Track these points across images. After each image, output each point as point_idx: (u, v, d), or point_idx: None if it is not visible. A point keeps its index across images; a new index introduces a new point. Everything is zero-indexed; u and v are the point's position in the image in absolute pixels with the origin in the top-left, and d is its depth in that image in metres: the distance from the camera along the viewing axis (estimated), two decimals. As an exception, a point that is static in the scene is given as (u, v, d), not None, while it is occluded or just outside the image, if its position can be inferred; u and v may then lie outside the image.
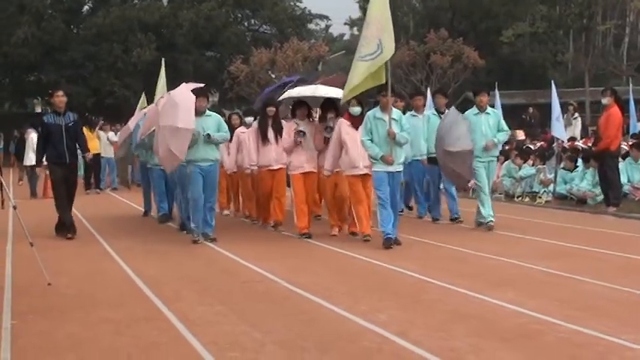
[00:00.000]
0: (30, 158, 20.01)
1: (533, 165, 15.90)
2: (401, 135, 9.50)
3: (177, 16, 41.76)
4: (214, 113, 10.59)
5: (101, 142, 20.45)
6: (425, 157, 11.89)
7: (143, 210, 14.23)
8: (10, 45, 39.03)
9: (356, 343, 5.26)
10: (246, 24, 47.60)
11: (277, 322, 5.87)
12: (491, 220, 10.91)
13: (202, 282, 7.61)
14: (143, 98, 18.35)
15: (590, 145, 16.11)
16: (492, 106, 11.67)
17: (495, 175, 11.52)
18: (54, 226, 11.08)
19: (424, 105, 12.68)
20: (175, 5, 42.99)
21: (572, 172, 14.86)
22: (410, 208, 13.05)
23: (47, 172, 12.40)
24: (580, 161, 14.89)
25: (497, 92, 21.85)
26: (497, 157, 11.65)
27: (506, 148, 17.00)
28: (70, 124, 10.85)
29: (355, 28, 56.84)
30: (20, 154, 22.47)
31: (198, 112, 9.94)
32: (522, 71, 42.24)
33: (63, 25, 41.18)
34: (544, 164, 15.78)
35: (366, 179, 9.81)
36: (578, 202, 14.03)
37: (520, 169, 15.80)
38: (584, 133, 21.83)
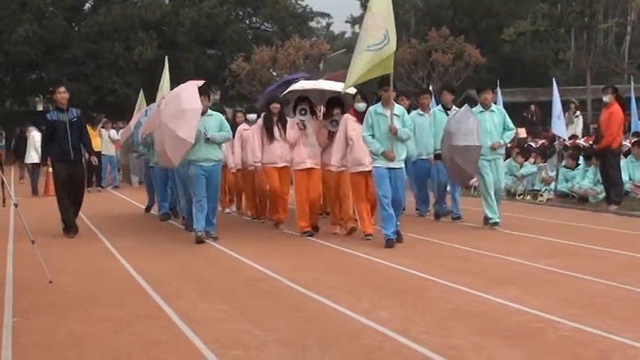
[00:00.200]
0: (31, 156, 20.02)
1: (534, 163, 15.89)
2: (402, 131, 9.40)
3: (179, 14, 41.72)
4: (216, 112, 10.53)
5: (102, 139, 20.44)
6: (432, 155, 11.81)
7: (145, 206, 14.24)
8: (11, 43, 39.00)
9: (357, 341, 5.27)
10: (247, 22, 47.57)
11: (279, 320, 5.87)
12: (495, 221, 10.87)
13: (204, 280, 7.61)
14: (141, 96, 18.35)
15: (591, 143, 16.08)
16: (495, 103, 11.56)
17: (503, 175, 11.34)
18: (60, 227, 10.99)
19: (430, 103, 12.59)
20: (177, 3, 42.94)
21: (573, 170, 14.85)
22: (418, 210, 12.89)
23: (49, 170, 12.35)
24: (581, 159, 14.88)
25: (499, 90, 21.81)
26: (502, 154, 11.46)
27: (508, 145, 16.96)
28: (73, 120, 10.80)
29: (357, 26, 56.68)
30: (20, 151, 22.45)
31: (201, 112, 9.88)
32: (524, 69, 42.19)
33: (64, 23, 41.14)
34: (545, 162, 15.78)
35: (370, 176, 9.71)
36: (580, 200, 14.03)
37: (521, 167, 15.79)
38: (586, 131, 21.81)
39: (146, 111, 13.39)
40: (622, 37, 39.03)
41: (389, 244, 9.30)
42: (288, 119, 10.89)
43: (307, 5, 47.38)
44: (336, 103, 10.59)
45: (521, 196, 15.26)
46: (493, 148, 10.78)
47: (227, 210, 13.62)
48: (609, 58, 36.90)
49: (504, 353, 4.96)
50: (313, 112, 10.98)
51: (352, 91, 10.25)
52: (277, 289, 7.10)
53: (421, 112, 12.13)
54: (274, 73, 35.17)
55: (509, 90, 30.76)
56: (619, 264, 8.17)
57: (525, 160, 15.94)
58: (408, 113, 11.30)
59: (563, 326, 5.53)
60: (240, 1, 44.51)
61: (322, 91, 11.26)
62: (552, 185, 14.97)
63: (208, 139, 9.95)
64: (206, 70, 38.91)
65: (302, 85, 11.55)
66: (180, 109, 9.76)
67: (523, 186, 15.57)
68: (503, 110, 11.24)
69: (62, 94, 10.86)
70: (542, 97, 29.29)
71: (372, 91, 10.98)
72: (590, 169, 14.23)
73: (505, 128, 10.96)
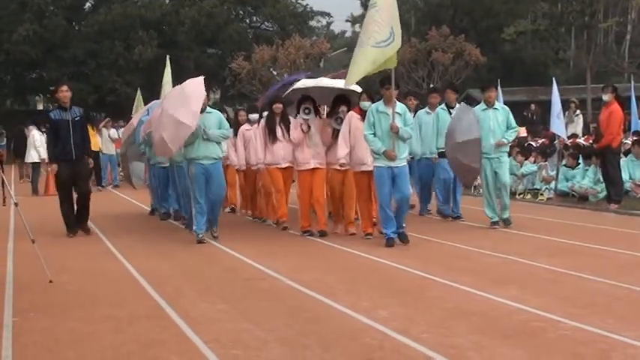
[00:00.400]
0: (31, 155, 20.03)
1: (534, 162, 15.88)
2: (404, 129, 9.28)
3: (179, 13, 41.75)
4: (215, 110, 10.49)
5: (102, 139, 20.44)
6: (435, 154, 11.74)
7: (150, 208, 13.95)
8: (11, 42, 39.03)
9: (358, 340, 5.26)
10: (247, 21, 47.58)
11: (279, 319, 5.87)
12: (496, 221, 10.86)
13: (204, 280, 7.61)
14: (139, 95, 18.34)
15: (591, 142, 16.07)
16: (496, 102, 11.45)
17: (508, 170, 11.23)
18: (63, 227, 10.94)
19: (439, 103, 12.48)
20: (177, 2, 42.97)
21: (573, 169, 14.84)
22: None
23: (49, 169, 12.32)
24: (581, 158, 14.87)
25: (499, 89, 21.79)
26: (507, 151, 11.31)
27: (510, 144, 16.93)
28: (76, 119, 10.75)
29: (357, 25, 56.66)
30: (19, 150, 22.42)
31: (200, 109, 9.83)
32: (524, 68, 42.21)
33: (64, 22, 41.16)
34: (546, 161, 15.77)
35: (373, 176, 9.59)
36: (580, 199, 14.02)
37: (522, 166, 15.78)
38: (586, 131, 21.80)
39: (148, 110, 13.34)
40: (622, 37, 39.05)
41: (389, 243, 9.28)
42: (292, 119, 10.84)
43: (307, 4, 47.46)
44: (343, 100, 10.48)
45: (522, 196, 15.25)
46: (497, 147, 10.66)
47: (227, 209, 13.57)
48: (609, 58, 36.91)
49: (505, 352, 4.95)
50: (317, 111, 10.86)
51: (358, 89, 10.20)
52: (277, 289, 7.10)
53: (428, 111, 12.09)
54: (274, 73, 35.18)
55: (509, 89, 30.74)
56: (619, 263, 8.16)
57: (525, 159, 15.93)
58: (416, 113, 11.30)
59: (563, 325, 5.53)
60: (240, 1, 44.55)
61: (326, 90, 11.19)
62: (552, 184, 14.97)
63: (205, 135, 9.84)
64: (206, 70, 38.86)
65: (304, 83, 11.47)
66: (184, 97, 9.68)
67: (523, 185, 15.56)
68: (507, 108, 11.07)
69: (65, 92, 10.80)
70: (543, 97, 29.29)
71: (374, 90, 10.92)
72: (590, 168, 14.22)
73: (508, 127, 10.84)
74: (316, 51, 34.75)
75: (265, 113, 11.26)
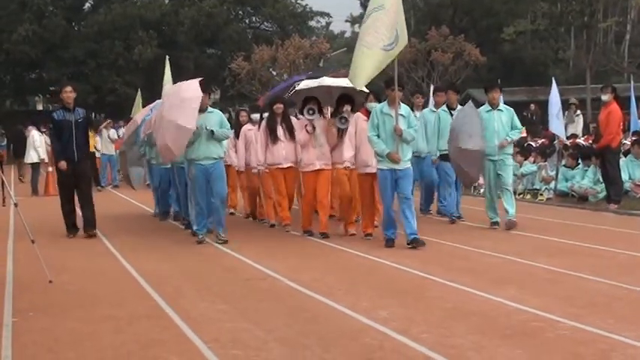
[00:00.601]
0: (31, 156, 20.03)
1: (534, 162, 15.88)
2: (407, 132, 9.18)
3: (179, 14, 41.79)
4: (216, 110, 10.45)
5: (102, 139, 20.45)
6: (435, 156, 11.66)
7: (154, 211, 13.69)
8: (11, 42, 39.06)
9: (357, 340, 5.27)
10: (247, 21, 47.64)
11: (279, 319, 5.87)
12: (496, 221, 10.85)
13: (204, 280, 7.61)
14: (139, 96, 18.31)
15: (591, 142, 16.07)
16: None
17: (512, 173, 11.18)
18: (63, 227, 10.93)
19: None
20: (176, 2, 43.02)
21: (573, 169, 14.85)
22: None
23: (49, 170, 12.32)
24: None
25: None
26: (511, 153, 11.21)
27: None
28: (79, 120, 10.70)
29: (356, 26, 56.69)
30: (18, 150, 22.40)
31: (201, 109, 9.74)
32: (524, 68, 42.21)
33: (64, 23, 41.20)
34: (545, 161, 15.77)
35: (377, 178, 9.51)
36: (580, 199, 14.02)
37: (521, 166, 15.78)
38: (585, 131, 21.81)
39: (151, 109, 13.31)
40: (622, 36, 39.08)
41: (389, 244, 9.28)
42: (297, 120, 10.80)
43: (307, 5, 47.55)
44: (347, 100, 10.42)
45: (521, 196, 15.24)
46: (501, 147, 10.58)
47: (230, 210, 13.50)
48: (609, 57, 36.93)
49: (504, 352, 4.96)
50: (321, 112, 10.74)
51: (364, 89, 10.14)
52: (277, 289, 7.10)
53: (433, 109, 12.04)
54: (274, 73, 35.21)
55: (509, 89, 30.75)
56: (619, 263, 8.17)
57: (525, 160, 15.92)
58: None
59: (563, 325, 5.54)
60: (239, 1, 44.60)
61: (329, 91, 11.13)
62: (552, 184, 14.97)
63: (212, 131, 9.75)
64: (206, 70, 38.91)
65: (307, 84, 11.42)
66: (179, 98, 9.67)
67: (523, 185, 15.56)
68: (512, 110, 10.94)
69: (69, 93, 10.74)
70: (542, 97, 29.21)
71: (375, 90, 10.87)
72: (590, 168, 14.23)
73: (513, 128, 10.75)
74: (316, 51, 34.77)
75: (266, 114, 11.23)
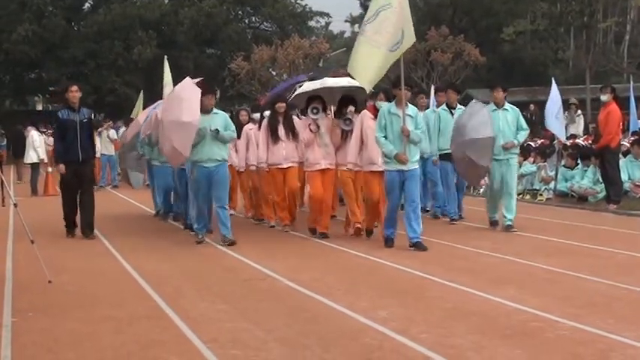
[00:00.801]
0: (30, 156, 20.02)
1: (534, 162, 15.89)
2: (415, 133, 9.10)
3: (178, 14, 41.79)
4: (222, 112, 10.24)
5: (102, 139, 20.44)
6: (436, 156, 11.62)
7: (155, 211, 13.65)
8: (10, 42, 39.05)
9: (357, 340, 5.27)
10: (246, 21, 47.63)
11: (279, 319, 5.88)
12: (495, 220, 10.84)
13: (204, 280, 7.62)
14: (141, 98, 18.31)
15: (590, 142, 16.07)
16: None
17: (516, 175, 11.10)
18: (63, 227, 10.92)
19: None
20: (176, 2, 43.02)
21: (573, 169, 14.85)
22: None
23: (49, 170, 12.30)
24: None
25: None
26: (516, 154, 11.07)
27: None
28: (84, 121, 10.61)
29: (356, 26, 56.66)
30: (17, 151, 22.37)
31: (206, 110, 9.67)
32: (523, 69, 42.20)
33: (64, 23, 41.19)
34: (545, 162, 15.77)
35: (382, 176, 9.46)
36: (579, 199, 14.02)
37: (521, 166, 15.75)
38: (585, 131, 21.81)
39: (154, 107, 13.25)
40: (621, 37, 39.04)
41: (388, 243, 9.28)
42: (300, 120, 10.75)
43: (306, 5, 47.54)
44: (349, 101, 10.38)
45: (521, 196, 15.22)
46: (506, 148, 10.50)
47: (231, 211, 13.46)
48: (609, 58, 36.90)
49: (504, 352, 4.96)
50: (325, 111, 10.65)
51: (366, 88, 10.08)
52: (277, 289, 7.11)
53: (435, 110, 11.98)
54: (274, 73, 35.21)
55: (508, 89, 30.79)
56: (618, 263, 8.18)
57: (525, 160, 15.92)
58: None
59: (562, 325, 5.54)
60: (239, 1, 44.61)
61: (331, 91, 11.13)
62: (552, 185, 14.98)
63: (217, 130, 9.62)
64: (205, 70, 38.92)
65: (308, 86, 11.37)
66: (178, 99, 9.60)
67: (522, 185, 15.55)
68: (517, 109, 10.89)
69: (74, 93, 10.62)
70: (542, 97, 29.19)
71: (377, 90, 10.81)
72: (589, 168, 14.23)
73: (518, 128, 10.67)
74: (315, 51, 34.77)
75: (267, 113, 11.18)
